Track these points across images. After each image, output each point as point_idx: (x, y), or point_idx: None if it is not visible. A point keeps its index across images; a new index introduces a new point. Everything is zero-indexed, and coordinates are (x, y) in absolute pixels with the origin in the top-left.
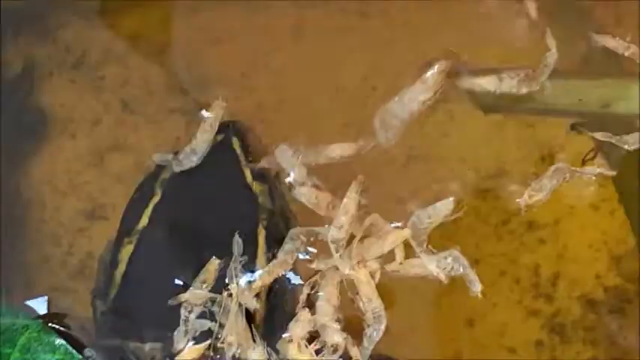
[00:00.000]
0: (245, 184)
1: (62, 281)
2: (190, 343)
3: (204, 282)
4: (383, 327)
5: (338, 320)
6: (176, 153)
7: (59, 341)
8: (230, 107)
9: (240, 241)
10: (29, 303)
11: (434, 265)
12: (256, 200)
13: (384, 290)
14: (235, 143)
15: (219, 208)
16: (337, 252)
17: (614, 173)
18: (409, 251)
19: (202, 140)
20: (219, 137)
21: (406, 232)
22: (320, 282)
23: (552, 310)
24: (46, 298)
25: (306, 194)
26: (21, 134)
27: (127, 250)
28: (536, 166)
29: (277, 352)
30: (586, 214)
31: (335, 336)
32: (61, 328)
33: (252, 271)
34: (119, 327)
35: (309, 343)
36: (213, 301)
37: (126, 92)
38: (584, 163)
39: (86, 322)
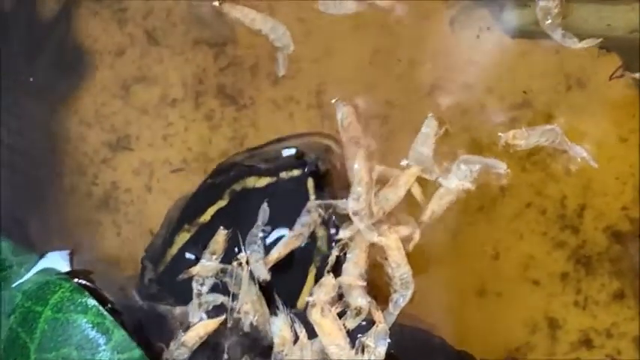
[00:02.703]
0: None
1: (87, 213)
2: (204, 316)
3: (213, 253)
4: (410, 293)
5: (363, 283)
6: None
7: (91, 302)
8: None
9: (267, 209)
10: (51, 256)
11: (455, 182)
12: (315, 241)
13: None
14: (309, 183)
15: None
16: (361, 222)
17: (596, 166)
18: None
19: None
20: (297, 172)
21: (414, 169)
22: (349, 244)
23: (578, 241)
24: (68, 252)
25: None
26: (58, 71)
27: (183, 236)
28: (563, 95)
29: (299, 317)
30: (613, 145)
31: (359, 299)
32: (88, 284)
33: (267, 246)
34: (162, 297)
35: (332, 307)
36: (224, 272)
37: (149, 23)
38: (610, 79)
39: (109, 267)
